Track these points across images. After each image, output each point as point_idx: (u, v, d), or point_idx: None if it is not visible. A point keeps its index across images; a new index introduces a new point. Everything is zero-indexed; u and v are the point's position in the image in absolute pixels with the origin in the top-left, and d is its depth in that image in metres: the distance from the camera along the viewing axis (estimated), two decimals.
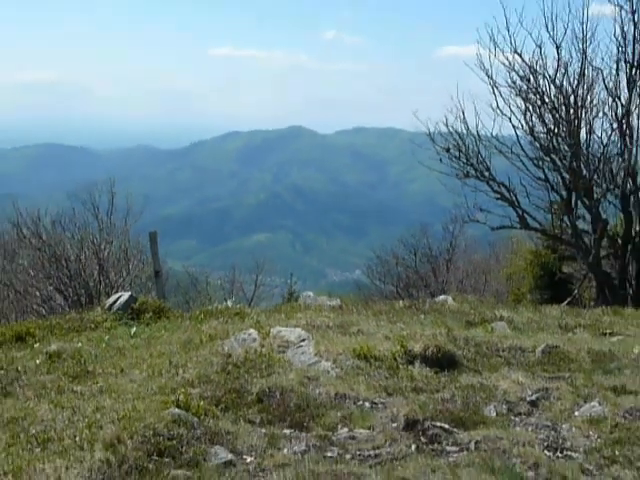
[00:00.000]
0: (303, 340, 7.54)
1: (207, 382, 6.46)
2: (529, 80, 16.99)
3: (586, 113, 16.88)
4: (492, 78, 17.10)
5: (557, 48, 16.71)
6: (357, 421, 5.71)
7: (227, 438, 5.25)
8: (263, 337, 7.77)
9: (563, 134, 16.98)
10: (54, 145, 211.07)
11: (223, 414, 5.74)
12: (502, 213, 17.79)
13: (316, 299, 11.31)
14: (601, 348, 7.96)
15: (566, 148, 17.00)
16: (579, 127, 16.85)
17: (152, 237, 12.11)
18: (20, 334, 8.92)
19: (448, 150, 17.47)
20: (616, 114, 16.55)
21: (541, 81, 16.94)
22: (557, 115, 16.94)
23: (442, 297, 12.03)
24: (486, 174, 17.33)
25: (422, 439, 5.36)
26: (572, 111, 16.75)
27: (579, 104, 16.73)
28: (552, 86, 16.87)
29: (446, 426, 5.52)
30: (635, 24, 16.12)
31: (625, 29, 16.22)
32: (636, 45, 16.21)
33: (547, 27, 16.63)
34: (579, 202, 17.25)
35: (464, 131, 17.42)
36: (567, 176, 17.09)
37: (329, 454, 5.09)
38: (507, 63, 16.99)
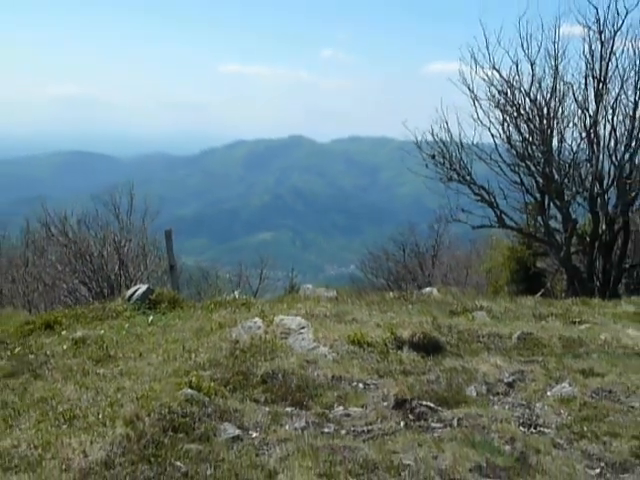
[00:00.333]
0: (303, 328, 7.53)
1: (217, 365, 6.45)
2: (506, 94, 16.98)
3: (558, 123, 16.89)
4: (473, 92, 17.09)
5: (532, 65, 16.71)
6: (351, 400, 5.71)
7: (235, 415, 5.25)
8: (267, 325, 7.76)
9: (537, 142, 16.98)
10: (80, 153, 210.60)
11: (231, 394, 5.73)
12: (482, 213, 17.77)
13: (314, 291, 11.27)
14: (571, 335, 7.97)
15: (540, 155, 17.00)
16: (551, 136, 16.84)
17: (167, 235, 12.07)
18: (49, 322, 8.90)
19: (433, 157, 17.45)
20: (585, 124, 16.55)
21: (517, 95, 16.92)
22: (531, 125, 16.93)
23: (428, 289, 12.01)
24: (467, 178, 17.32)
25: (410, 416, 5.37)
26: (545, 122, 16.75)
27: (551, 115, 16.72)
28: (527, 99, 16.87)
29: (431, 405, 5.52)
30: (602, 43, 16.11)
31: (593, 47, 16.23)
32: (602, 62, 16.22)
33: (523, 46, 16.61)
34: (551, 204, 17.25)
35: (448, 140, 17.40)
36: (540, 180, 17.09)
37: (326, 430, 5.09)
38: (487, 78, 16.97)
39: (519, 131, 17.09)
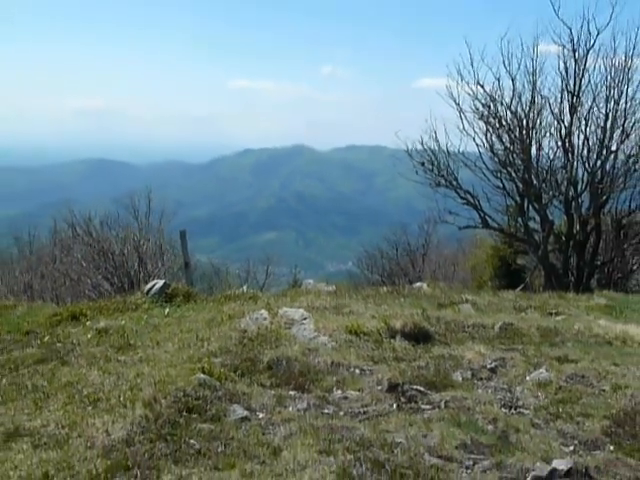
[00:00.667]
0: (305, 319, 7.53)
1: (227, 353, 6.46)
2: (489, 107, 16.99)
3: (536, 134, 16.92)
4: (459, 105, 17.10)
5: (512, 80, 16.73)
6: (349, 384, 5.72)
7: (243, 398, 5.26)
8: (272, 316, 7.76)
9: (517, 151, 17.00)
10: (103, 160, 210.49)
11: (240, 379, 5.75)
12: (467, 215, 17.78)
13: (315, 286, 11.26)
14: (548, 325, 7.97)
15: (520, 162, 17.01)
16: (530, 145, 16.88)
17: (182, 235, 12.06)
18: (75, 314, 8.91)
19: (423, 164, 17.44)
20: (560, 134, 16.61)
21: (499, 107, 16.95)
22: (512, 135, 16.95)
23: (418, 284, 12.02)
24: (454, 183, 17.32)
25: (402, 399, 5.38)
26: (524, 132, 16.77)
27: (530, 126, 16.74)
28: (508, 112, 16.89)
29: (421, 389, 5.53)
30: (576, 61, 16.20)
31: (567, 64, 16.33)
32: (576, 78, 16.26)
33: (504, 63, 16.65)
34: (530, 206, 17.26)
35: (436, 148, 17.41)
36: (520, 185, 17.11)
37: (326, 411, 5.10)
38: (471, 93, 16.99)
39: (501, 140, 17.12)
